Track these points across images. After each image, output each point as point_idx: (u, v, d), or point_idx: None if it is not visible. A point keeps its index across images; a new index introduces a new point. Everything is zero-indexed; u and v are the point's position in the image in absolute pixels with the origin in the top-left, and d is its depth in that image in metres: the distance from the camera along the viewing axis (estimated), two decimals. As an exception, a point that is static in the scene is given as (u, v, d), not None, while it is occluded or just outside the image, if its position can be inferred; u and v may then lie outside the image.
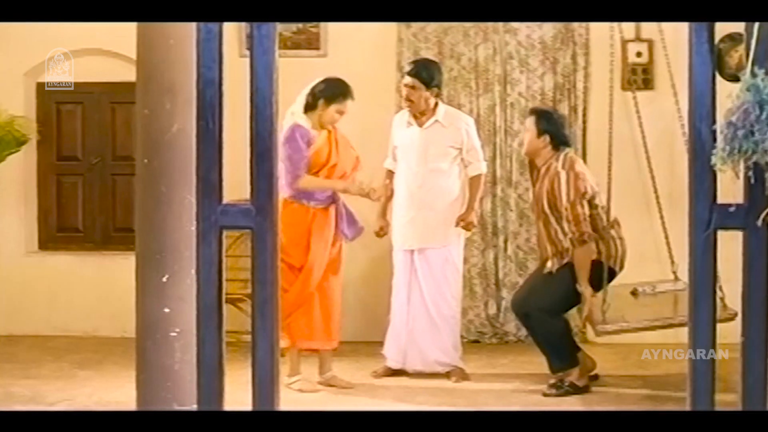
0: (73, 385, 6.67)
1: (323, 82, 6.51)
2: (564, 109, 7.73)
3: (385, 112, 7.45)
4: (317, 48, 7.98)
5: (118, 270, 7.38)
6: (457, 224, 6.78)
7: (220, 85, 3.31)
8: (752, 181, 3.06)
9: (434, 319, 6.79)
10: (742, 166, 3.04)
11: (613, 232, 6.39)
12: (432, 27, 7.96)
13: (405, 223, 6.86)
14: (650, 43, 7.58)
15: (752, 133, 2.98)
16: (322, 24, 7.89)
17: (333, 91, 6.46)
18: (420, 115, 6.82)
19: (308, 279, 6.45)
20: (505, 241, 7.98)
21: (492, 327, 7.99)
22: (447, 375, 6.80)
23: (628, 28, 7.49)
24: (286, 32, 7.77)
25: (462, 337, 7.15)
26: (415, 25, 7.95)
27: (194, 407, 3.31)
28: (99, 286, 8.07)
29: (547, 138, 6.46)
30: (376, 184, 6.65)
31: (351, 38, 7.76)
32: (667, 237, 6.51)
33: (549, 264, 6.45)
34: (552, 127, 6.49)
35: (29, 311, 8.21)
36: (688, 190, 3.27)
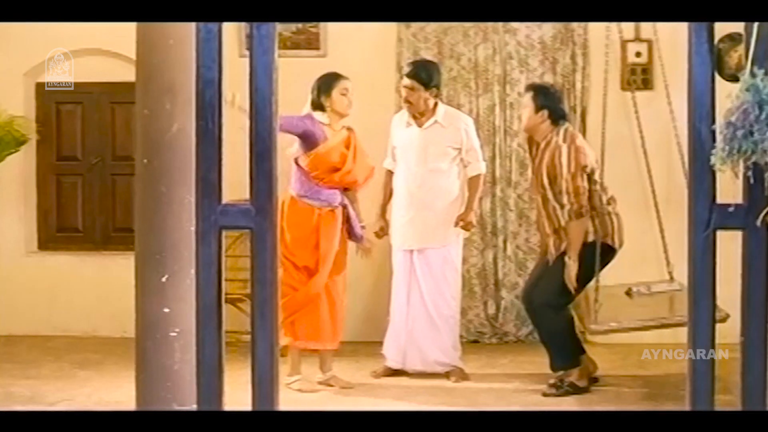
0: (73, 385, 6.68)
1: (315, 83, 6.62)
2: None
3: (384, 112, 7.45)
4: (317, 48, 7.99)
5: (117, 270, 7.39)
6: (456, 224, 6.78)
7: (220, 85, 3.31)
8: (751, 181, 3.06)
9: (434, 319, 6.80)
10: (741, 166, 3.05)
11: (609, 208, 6.40)
12: (432, 27, 7.96)
13: (404, 224, 6.86)
14: (650, 44, 7.58)
15: (751, 133, 2.98)
16: (322, 24, 7.89)
17: (325, 81, 6.57)
18: (419, 115, 6.83)
19: (315, 279, 6.47)
20: (505, 241, 7.98)
21: (491, 327, 7.99)
22: (446, 375, 6.80)
23: (628, 28, 7.50)
24: (285, 32, 7.78)
25: (461, 337, 7.15)
26: (415, 25, 7.95)
27: (194, 407, 3.31)
28: (99, 286, 8.07)
29: (545, 113, 6.44)
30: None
31: (351, 38, 7.76)
32: (663, 238, 6.52)
33: (550, 251, 6.43)
34: (549, 101, 6.48)
35: (29, 311, 8.21)
36: (688, 190, 3.27)
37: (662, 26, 6.56)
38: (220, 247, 3.33)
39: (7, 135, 7.84)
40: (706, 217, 3.19)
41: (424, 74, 6.78)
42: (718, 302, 5.52)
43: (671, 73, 6.44)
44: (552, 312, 6.40)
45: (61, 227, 8.50)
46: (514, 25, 7.87)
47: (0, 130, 7.80)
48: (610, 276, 6.55)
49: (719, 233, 3.21)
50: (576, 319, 6.59)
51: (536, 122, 6.47)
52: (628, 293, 6.62)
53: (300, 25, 7.90)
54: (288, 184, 6.54)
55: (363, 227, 6.70)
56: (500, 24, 7.84)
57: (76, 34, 7.35)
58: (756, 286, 3.17)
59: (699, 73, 3.19)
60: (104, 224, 8.45)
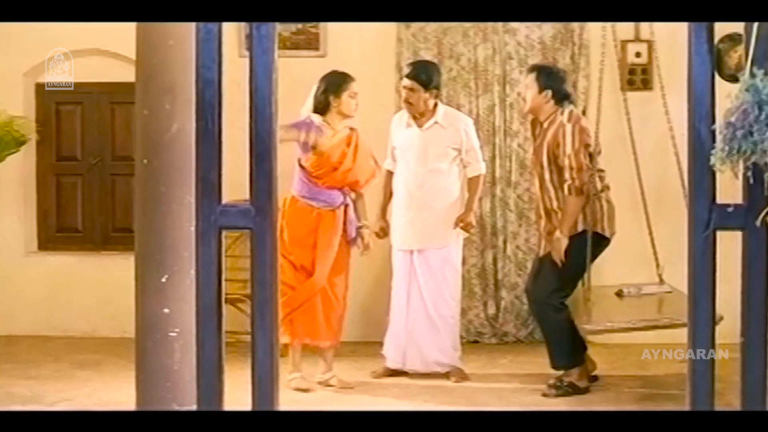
0: (73, 385, 6.68)
1: (323, 80, 6.57)
2: (563, 109, 7.73)
3: (384, 113, 7.45)
4: (317, 48, 7.99)
5: (117, 270, 7.39)
6: (456, 225, 6.78)
7: (220, 85, 3.31)
8: (751, 181, 3.06)
9: (433, 319, 6.80)
10: (741, 166, 3.04)
11: (602, 194, 6.39)
12: (431, 27, 7.96)
13: (404, 224, 6.87)
14: (649, 44, 7.58)
15: (751, 133, 2.98)
16: (322, 24, 7.89)
17: (336, 82, 6.55)
18: (419, 116, 6.83)
19: (313, 279, 6.47)
20: (505, 242, 7.98)
21: (491, 327, 7.99)
22: (446, 375, 6.81)
23: (628, 28, 7.50)
24: (285, 32, 7.78)
25: (461, 337, 7.16)
26: (415, 26, 7.95)
27: (194, 407, 3.31)
28: (98, 287, 8.07)
29: (548, 93, 6.43)
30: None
31: (350, 38, 7.76)
32: (653, 240, 6.51)
33: (540, 233, 6.45)
34: (553, 82, 6.47)
35: (29, 311, 8.21)
36: (687, 190, 3.27)
37: (657, 27, 6.57)
38: (220, 247, 3.33)
39: (7, 135, 7.84)
40: (706, 217, 3.19)
41: (424, 75, 6.78)
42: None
43: (671, 73, 6.43)
44: (551, 310, 6.41)
45: (61, 227, 8.50)
46: (514, 25, 7.87)
47: (0, 130, 7.80)
48: (603, 276, 6.56)
49: (719, 234, 3.22)
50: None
51: (540, 102, 6.45)
52: (619, 294, 6.63)
53: (300, 25, 7.90)
54: (290, 184, 6.54)
55: (360, 227, 6.68)
56: (500, 24, 7.84)
57: (75, 34, 7.34)
58: (756, 286, 3.16)
59: (699, 73, 3.19)
60: (104, 224, 8.45)
